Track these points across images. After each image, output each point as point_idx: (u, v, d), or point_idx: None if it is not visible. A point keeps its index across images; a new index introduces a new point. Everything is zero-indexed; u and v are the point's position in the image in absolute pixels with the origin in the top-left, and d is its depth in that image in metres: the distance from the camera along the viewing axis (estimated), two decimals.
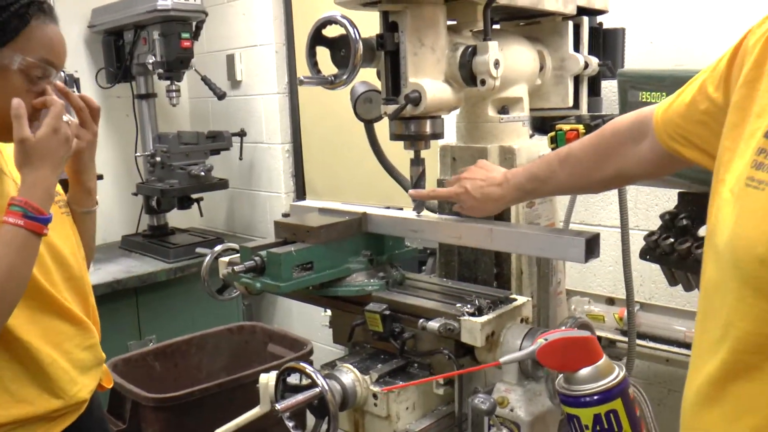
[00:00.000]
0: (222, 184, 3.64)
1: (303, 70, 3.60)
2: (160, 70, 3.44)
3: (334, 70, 1.50)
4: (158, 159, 3.51)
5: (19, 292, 1.37)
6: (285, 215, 1.86)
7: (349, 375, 1.46)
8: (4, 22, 1.37)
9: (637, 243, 1.81)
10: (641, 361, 2.11)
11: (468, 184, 1.49)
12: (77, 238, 1.66)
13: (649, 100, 1.36)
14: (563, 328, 1.35)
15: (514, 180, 1.44)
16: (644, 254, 1.71)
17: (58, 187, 1.61)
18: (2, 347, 1.44)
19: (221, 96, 3.62)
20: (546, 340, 1.07)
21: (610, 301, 2.21)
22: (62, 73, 1.50)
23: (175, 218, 3.91)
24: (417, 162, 1.55)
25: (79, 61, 3.77)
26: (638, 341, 2.00)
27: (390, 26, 1.48)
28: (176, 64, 3.41)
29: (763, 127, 0.78)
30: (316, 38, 1.50)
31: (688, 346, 1.96)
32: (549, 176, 1.38)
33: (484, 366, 1.40)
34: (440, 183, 1.72)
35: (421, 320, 1.43)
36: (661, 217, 1.71)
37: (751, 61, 0.89)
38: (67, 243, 1.59)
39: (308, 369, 1.38)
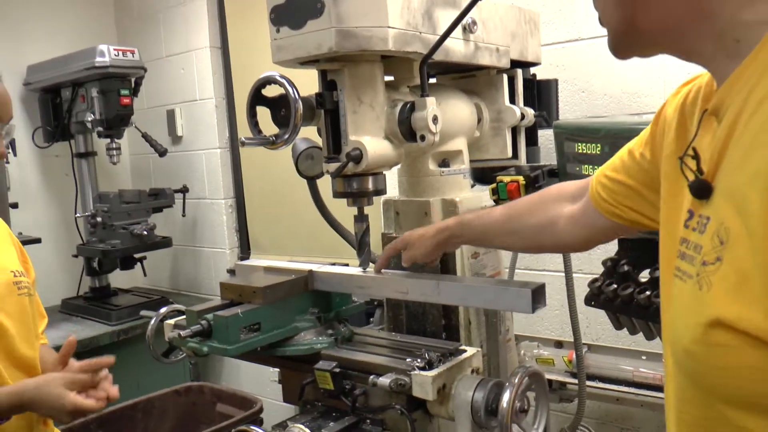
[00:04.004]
0: (165, 243, 3.58)
1: (244, 124, 3.59)
2: (100, 128, 3.39)
3: (275, 128, 1.50)
4: (99, 219, 3.43)
5: None
6: (230, 271, 1.84)
7: None
8: None
9: (581, 286, 1.83)
10: (593, 401, 2.13)
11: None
12: (33, 316, 1.62)
13: (585, 152, 1.40)
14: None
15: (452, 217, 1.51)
16: (589, 301, 1.74)
17: (21, 268, 1.60)
18: None
19: (162, 153, 3.58)
20: None
21: (559, 344, 2.23)
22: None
23: (118, 278, 3.81)
24: (361, 218, 1.56)
25: (14, 120, 3.68)
26: (588, 382, 2.02)
27: (328, 85, 1.49)
28: (116, 122, 3.37)
29: (683, 214, 0.80)
30: (256, 98, 1.49)
31: (637, 384, 1.99)
32: (488, 212, 1.44)
33: None
34: (384, 237, 1.73)
35: (371, 376, 1.42)
36: (604, 263, 1.74)
37: (671, 132, 0.92)
38: (17, 323, 1.54)
39: None
